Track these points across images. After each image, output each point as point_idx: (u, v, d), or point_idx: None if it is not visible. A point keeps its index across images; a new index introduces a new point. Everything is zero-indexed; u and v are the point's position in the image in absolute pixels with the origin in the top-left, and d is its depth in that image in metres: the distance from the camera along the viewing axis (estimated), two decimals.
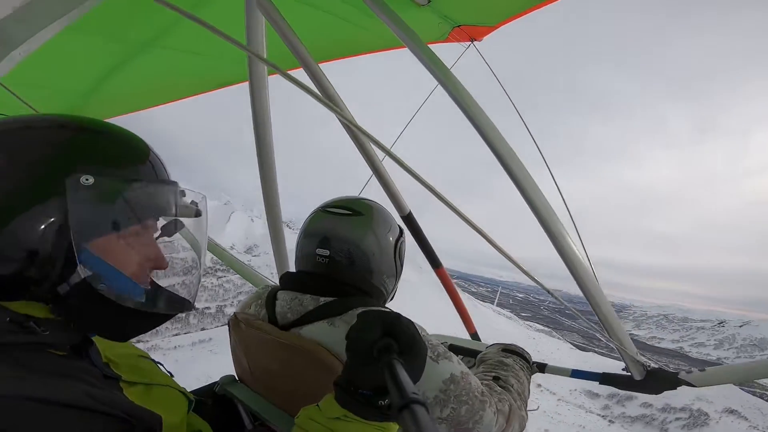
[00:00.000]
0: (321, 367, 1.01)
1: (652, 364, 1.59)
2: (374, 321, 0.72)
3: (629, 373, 1.63)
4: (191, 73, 2.51)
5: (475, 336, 2.52)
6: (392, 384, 0.56)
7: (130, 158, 0.73)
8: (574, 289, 1.51)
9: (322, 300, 1.13)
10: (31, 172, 0.63)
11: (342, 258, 1.18)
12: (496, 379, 1.40)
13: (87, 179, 0.64)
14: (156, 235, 0.77)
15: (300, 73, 1.76)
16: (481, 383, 1.25)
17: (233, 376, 1.37)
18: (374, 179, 2.05)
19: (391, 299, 1.37)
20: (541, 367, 1.72)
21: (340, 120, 1.41)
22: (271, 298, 1.22)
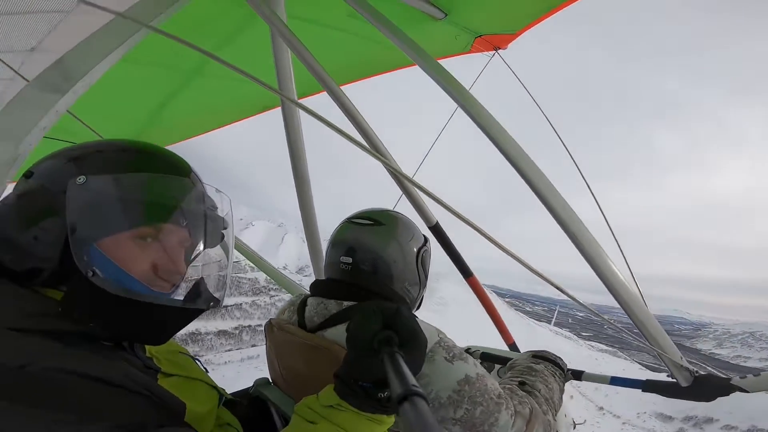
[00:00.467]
0: None
1: (700, 371, 1.48)
2: (375, 313, 0.73)
3: (675, 380, 1.52)
4: (236, 98, 2.76)
5: (513, 347, 2.45)
6: (392, 376, 0.56)
7: (164, 170, 0.79)
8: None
9: (345, 304, 1.21)
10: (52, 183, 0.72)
11: (364, 265, 1.25)
12: (522, 384, 1.38)
13: (81, 179, 0.71)
14: (180, 242, 0.81)
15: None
16: (504, 387, 1.24)
17: (267, 378, 1.46)
18: (405, 196, 2.10)
19: (418, 308, 1.41)
20: (577, 375, 1.66)
21: (361, 147, 1.46)
22: (301, 304, 1.31)
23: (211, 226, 0.84)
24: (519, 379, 1.41)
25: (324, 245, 1.49)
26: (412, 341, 0.71)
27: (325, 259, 1.35)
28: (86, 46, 1.16)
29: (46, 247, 0.70)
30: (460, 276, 2.32)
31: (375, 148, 1.92)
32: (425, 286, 1.40)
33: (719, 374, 1.47)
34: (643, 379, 1.62)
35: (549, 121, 2.39)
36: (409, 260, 1.30)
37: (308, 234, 2.39)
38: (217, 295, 0.86)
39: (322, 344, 1.13)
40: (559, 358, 1.62)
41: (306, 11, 1.93)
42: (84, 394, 0.60)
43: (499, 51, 2.45)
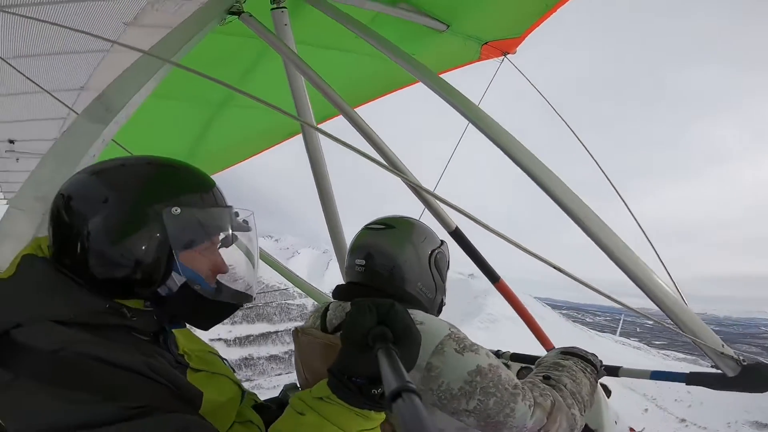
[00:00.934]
0: None
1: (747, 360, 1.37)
2: (369, 309, 0.74)
3: (720, 371, 1.42)
4: (263, 126, 2.97)
5: None
6: (385, 372, 0.56)
7: (204, 190, 0.93)
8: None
9: None
10: (141, 205, 0.85)
11: (377, 267, 1.31)
12: (546, 378, 1.35)
13: (176, 210, 0.84)
14: (218, 246, 0.95)
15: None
16: (525, 381, 1.23)
17: (296, 383, 1.54)
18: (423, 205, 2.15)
19: (439, 312, 1.43)
20: (613, 371, 1.59)
21: (378, 164, 1.54)
22: (324, 309, 1.40)
23: (237, 225, 0.97)
24: (544, 374, 1.38)
25: None
26: (406, 337, 0.72)
27: (345, 264, 1.43)
28: (121, 81, 1.38)
29: (139, 261, 0.82)
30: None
31: (392, 165, 2.00)
32: (444, 290, 1.42)
33: None
34: (686, 372, 1.53)
35: (566, 123, 2.38)
36: (422, 262, 1.34)
37: (336, 248, 2.49)
38: (250, 291, 1.00)
39: (337, 343, 1.19)
40: (593, 354, 1.57)
41: (314, 36, 2.08)
42: (105, 377, 0.69)
43: (509, 56, 2.48)
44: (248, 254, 1.05)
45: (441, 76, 2.60)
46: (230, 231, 0.94)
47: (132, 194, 0.84)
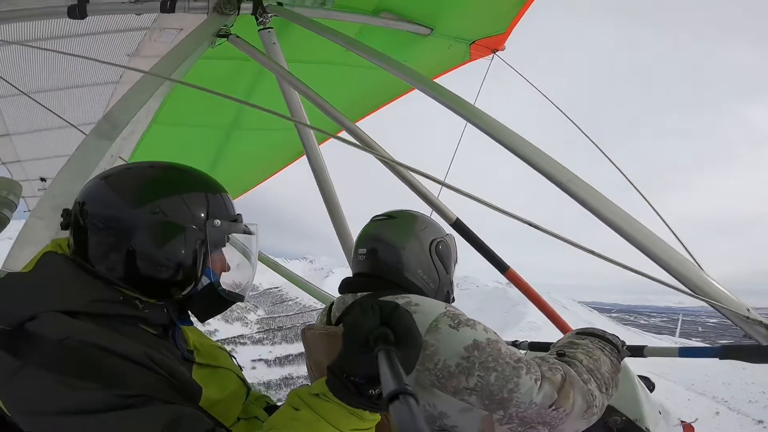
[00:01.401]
0: None
1: None
2: (372, 310, 0.73)
3: (755, 341, 1.31)
4: (275, 146, 3.09)
5: None
6: (384, 373, 0.57)
7: (227, 202, 1.05)
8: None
9: (359, 295, 1.29)
10: (188, 216, 0.95)
11: (377, 254, 1.33)
12: (560, 355, 1.29)
13: (217, 222, 0.97)
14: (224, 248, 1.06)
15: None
16: (533, 357, 1.19)
17: (307, 384, 1.55)
18: (421, 199, 2.17)
19: (452, 300, 1.44)
20: (637, 351, 1.50)
21: (383, 162, 1.58)
22: (330, 306, 1.43)
23: (245, 230, 1.08)
24: (558, 351, 1.33)
25: None
26: (407, 340, 0.72)
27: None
28: (125, 101, 1.54)
29: (179, 264, 0.94)
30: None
31: (396, 163, 2.03)
32: (450, 282, 1.42)
33: None
34: (720, 345, 1.42)
35: (571, 120, 2.36)
36: (423, 249, 1.34)
37: (346, 251, 2.51)
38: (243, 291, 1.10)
39: (337, 332, 1.20)
40: (613, 334, 1.49)
41: (305, 53, 2.18)
42: (106, 366, 0.74)
43: (498, 53, 2.49)
44: (249, 256, 1.14)
45: (438, 80, 2.65)
46: (241, 235, 1.06)
47: (178, 205, 0.94)
